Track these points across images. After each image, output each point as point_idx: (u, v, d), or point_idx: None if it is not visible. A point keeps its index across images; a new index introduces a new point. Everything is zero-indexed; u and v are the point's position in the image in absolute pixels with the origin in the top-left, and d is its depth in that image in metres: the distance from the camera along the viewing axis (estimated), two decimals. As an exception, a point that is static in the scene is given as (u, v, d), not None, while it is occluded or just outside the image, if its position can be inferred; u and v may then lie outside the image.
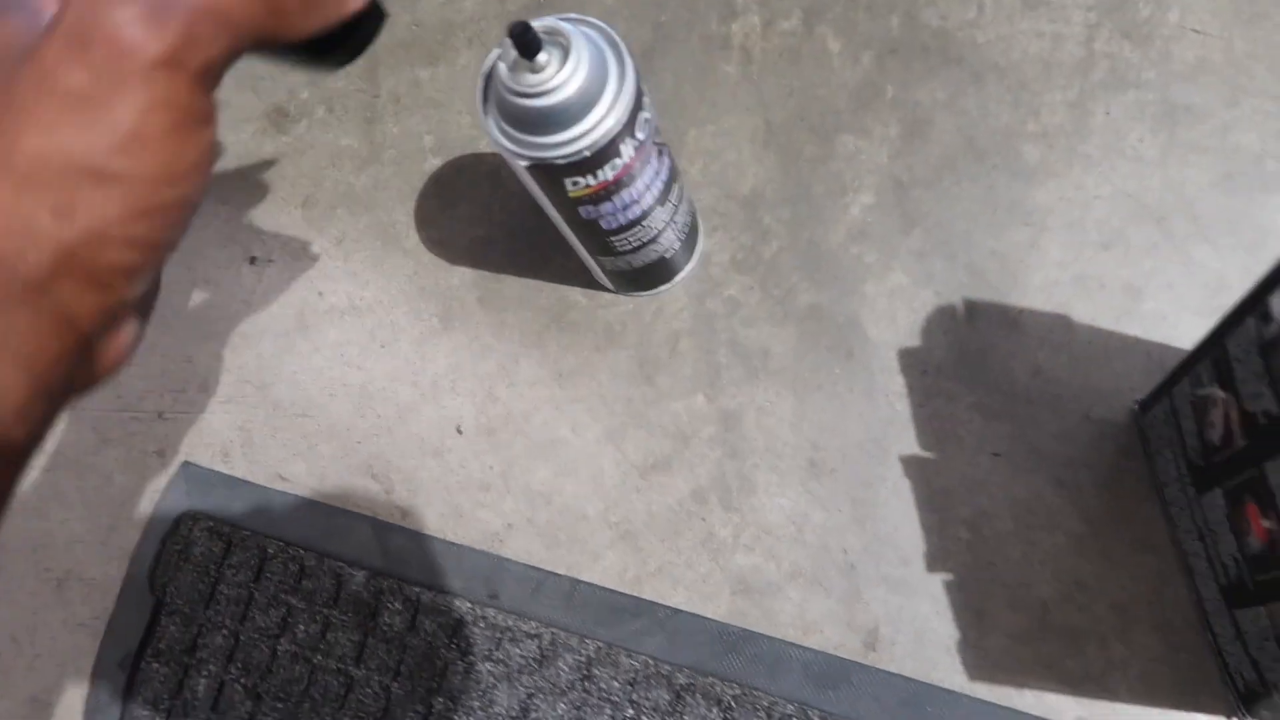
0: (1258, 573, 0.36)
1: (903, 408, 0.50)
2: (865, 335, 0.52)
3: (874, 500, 0.50)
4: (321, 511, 0.56)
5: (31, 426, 0.21)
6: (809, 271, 0.53)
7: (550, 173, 0.41)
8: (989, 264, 0.51)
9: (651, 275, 0.53)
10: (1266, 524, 0.35)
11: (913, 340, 0.51)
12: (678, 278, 0.55)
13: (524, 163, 0.41)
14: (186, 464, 0.58)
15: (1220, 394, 0.38)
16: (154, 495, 0.58)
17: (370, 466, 0.56)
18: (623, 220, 0.46)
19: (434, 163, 0.60)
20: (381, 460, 0.56)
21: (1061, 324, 0.50)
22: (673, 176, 0.47)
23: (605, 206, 0.44)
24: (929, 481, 0.49)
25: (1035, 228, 0.51)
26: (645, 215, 0.46)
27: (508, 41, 0.38)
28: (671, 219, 0.49)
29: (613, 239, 0.47)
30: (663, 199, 0.47)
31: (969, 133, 0.53)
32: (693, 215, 0.52)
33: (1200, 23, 0.52)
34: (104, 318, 0.21)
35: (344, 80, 0.63)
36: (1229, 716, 0.43)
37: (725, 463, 0.52)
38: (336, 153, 0.62)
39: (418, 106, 0.61)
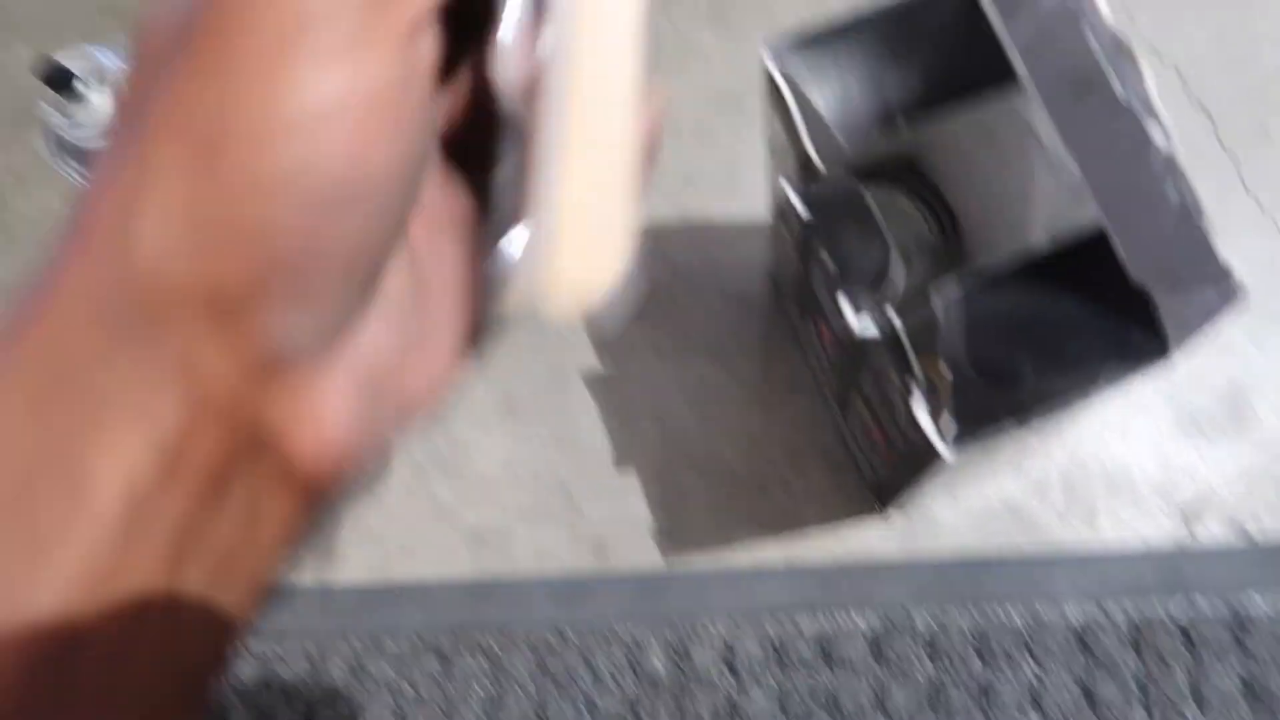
0: (838, 377, 0.42)
1: (574, 333, 0.54)
2: (521, 281, 0.55)
3: (569, 423, 0.53)
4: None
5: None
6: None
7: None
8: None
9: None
10: (826, 332, 0.40)
11: (563, 273, 0.55)
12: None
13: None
14: None
15: (785, 230, 0.44)
16: None
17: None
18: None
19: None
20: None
21: (683, 221, 0.55)
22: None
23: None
24: (611, 392, 0.53)
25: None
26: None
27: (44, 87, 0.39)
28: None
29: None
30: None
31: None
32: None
33: (729, -69, 0.59)
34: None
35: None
36: (875, 515, 0.49)
37: (433, 432, 0.54)
38: (-30, 254, 0.60)
39: (44, 178, 0.60)
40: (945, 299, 0.29)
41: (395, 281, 0.18)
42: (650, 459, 0.52)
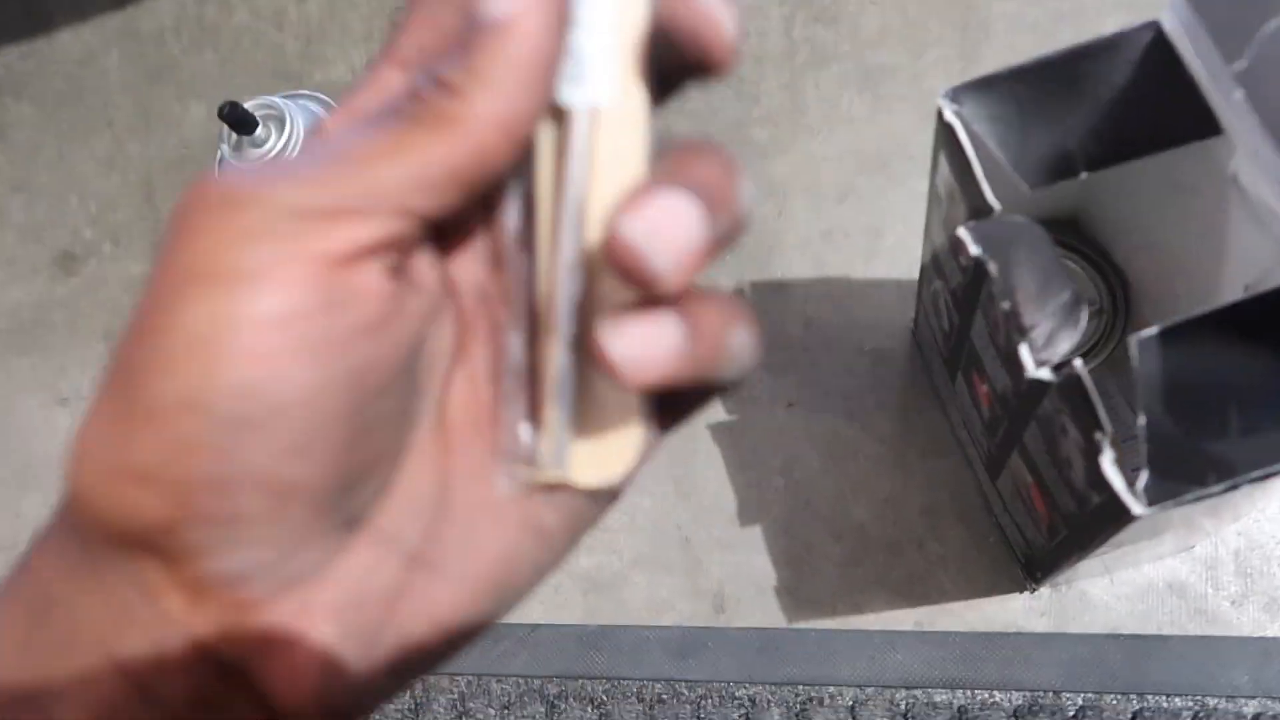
0: (992, 437, 0.40)
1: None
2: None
3: (692, 473, 0.52)
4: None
5: None
6: (591, 283, 0.57)
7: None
8: (746, 239, 0.56)
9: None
10: (985, 388, 0.39)
11: (695, 322, 0.55)
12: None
13: (272, 229, 0.43)
14: (31, 617, 0.57)
15: (940, 284, 0.43)
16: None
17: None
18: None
19: (226, 268, 0.62)
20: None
21: (820, 277, 0.54)
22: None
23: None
24: (737, 443, 0.52)
25: (779, 197, 0.56)
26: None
27: (225, 128, 0.41)
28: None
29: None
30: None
31: (704, 129, 0.58)
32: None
33: (875, -6, 0.59)
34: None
35: (123, 212, 0.65)
36: (1021, 590, 0.47)
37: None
38: (130, 281, 0.63)
39: (201, 220, 0.63)
40: (1142, 339, 0.28)
41: (396, 506, 0.18)
42: (776, 513, 0.51)
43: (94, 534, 0.16)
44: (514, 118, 0.16)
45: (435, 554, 0.18)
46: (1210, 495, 0.28)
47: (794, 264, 0.55)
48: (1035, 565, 0.44)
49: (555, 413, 0.18)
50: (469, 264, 0.19)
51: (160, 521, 0.15)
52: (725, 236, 0.17)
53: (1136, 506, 0.28)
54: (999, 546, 0.48)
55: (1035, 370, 0.30)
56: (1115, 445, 0.29)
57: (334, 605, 0.17)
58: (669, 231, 0.16)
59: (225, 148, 0.42)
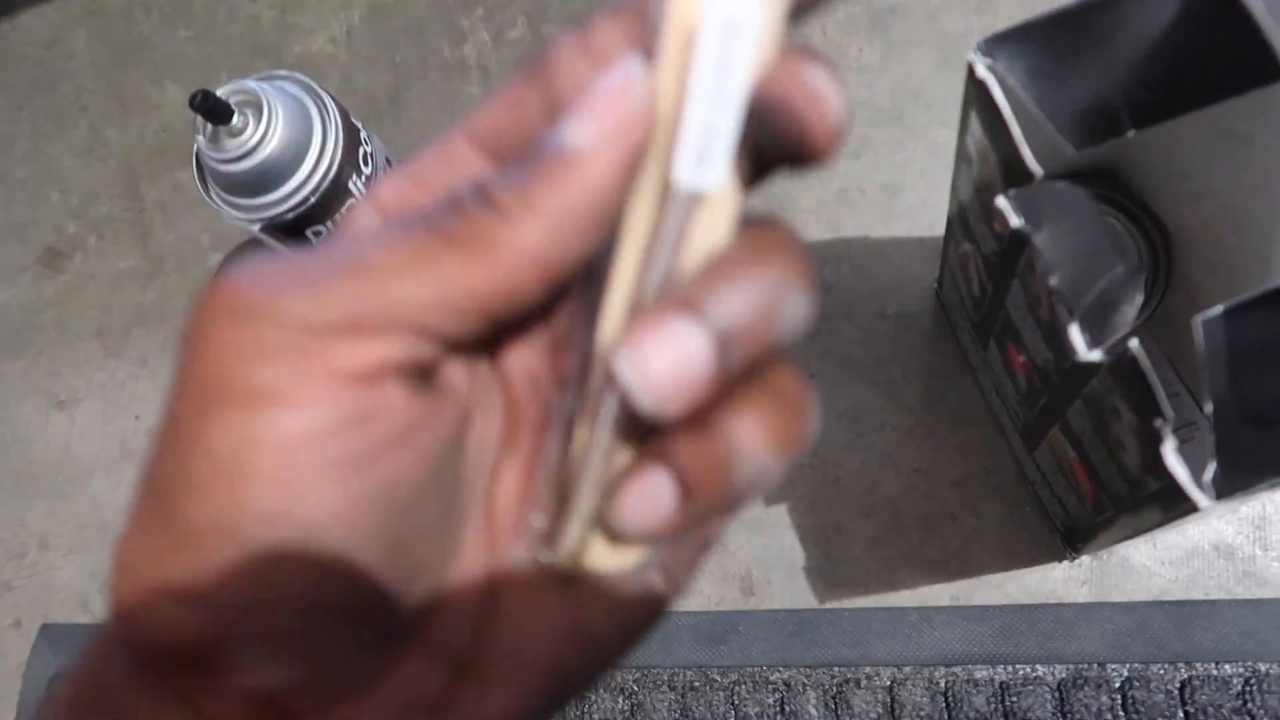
0: (1029, 409, 0.38)
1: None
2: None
3: (714, 453, 0.50)
4: (191, 631, 0.54)
5: None
6: (596, 257, 0.54)
7: (287, 229, 0.41)
8: (757, 201, 0.53)
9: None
10: (1022, 358, 0.36)
11: (708, 292, 0.52)
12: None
13: (256, 225, 0.41)
14: (45, 626, 0.56)
15: (969, 247, 0.40)
16: (21, 669, 0.55)
17: (230, 571, 0.55)
18: (386, 256, 0.46)
19: (215, 258, 0.60)
20: (239, 562, 0.55)
21: (837, 238, 0.52)
22: (426, 202, 0.48)
23: (361, 247, 0.44)
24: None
25: (790, 156, 0.53)
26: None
27: (199, 119, 0.39)
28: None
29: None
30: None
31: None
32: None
33: (883, -70, 0.55)
34: None
35: (108, 204, 0.62)
36: (1060, 559, 0.45)
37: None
38: (118, 276, 0.61)
39: (187, 209, 0.61)
40: (1207, 320, 0.25)
41: (444, 612, 0.17)
42: (802, 491, 0.49)
43: (138, 647, 0.16)
44: (555, 259, 0.15)
45: (484, 661, 0.17)
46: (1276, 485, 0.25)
47: (809, 227, 0.52)
48: (1076, 536, 0.42)
49: (578, 497, 0.17)
50: (523, 350, 0.18)
51: (200, 640, 0.15)
52: (754, 359, 0.16)
53: (1204, 500, 0.25)
54: (1036, 518, 0.46)
55: (1087, 353, 0.27)
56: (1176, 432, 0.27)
57: (385, 711, 0.16)
58: (659, 366, 0.15)
59: (201, 139, 0.39)
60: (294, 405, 0.14)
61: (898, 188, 0.52)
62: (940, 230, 0.50)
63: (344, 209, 0.42)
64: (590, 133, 0.15)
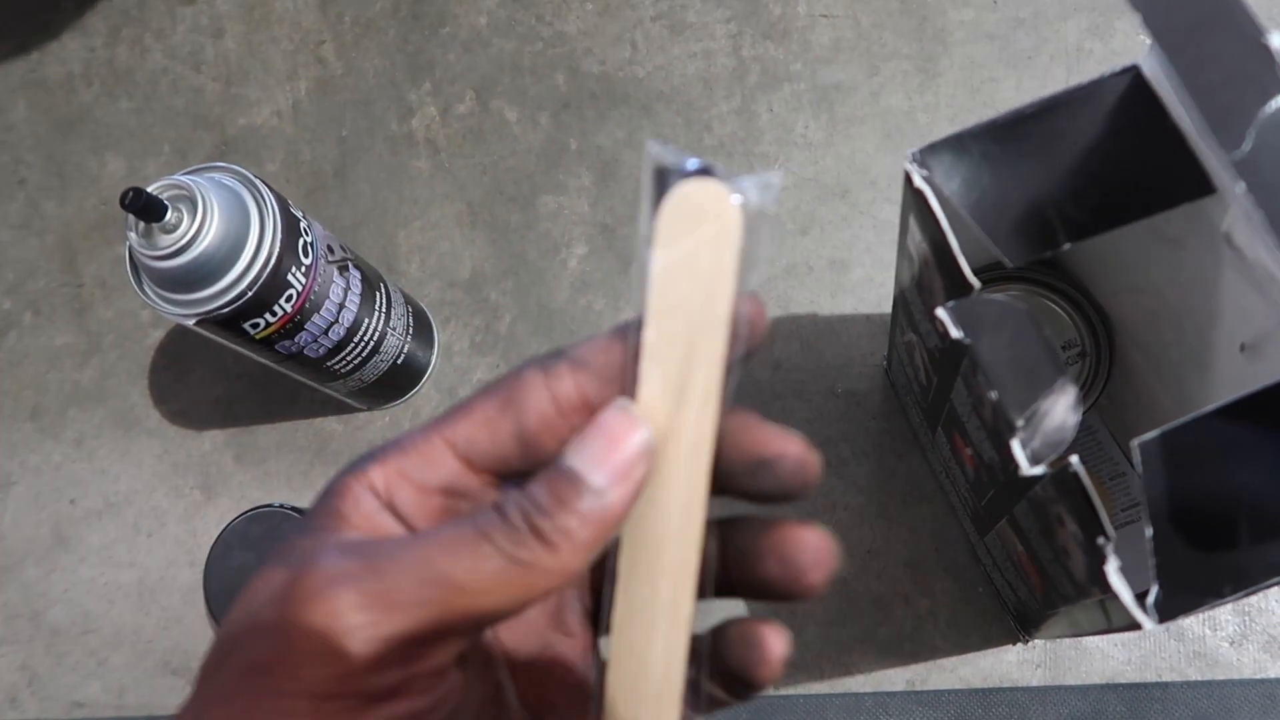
0: (978, 498, 0.38)
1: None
2: (614, 379, 0.52)
3: (666, 534, 0.50)
4: (127, 727, 0.52)
5: None
6: (545, 333, 0.54)
7: (224, 324, 0.40)
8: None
9: (395, 383, 0.52)
10: (969, 450, 0.36)
11: (659, 370, 0.52)
12: (425, 378, 0.54)
13: (191, 320, 0.40)
14: (-28, 725, 0.54)
15: (914, 336, 0.40)
16: (-55, 770, 0.53)
17: (168, 662, 0.53)
18: (329, 344, 0.45)
19: (156, 335, 0.58)
20: (179, 652, 0.53)
21: (785, 315, 0.52)
22: (370, 286, 0.47)
23: (302, 337, 0.43)
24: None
25: (738, 232, 0.53)
26: (354, 332, 0.46)
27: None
28: (386, 326, 0.48)
29: (330, 364, 0.46)
30: (367, 310, 0.47)
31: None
32: (415, 314, 0.52)
33: (826, 7, 0.56)
34: None
35: (44, 279, 0.60)
36: (1014, 642, 0.45)
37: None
38: (54, 354, 0.59)
39: (126, 284, 0.59)
40: (1144, 443, 0.25)
41: None
42: (756, 572, 0.48)
43: None
44: (577, 571, 0.19)
45: None
46: (1225, 603, 0.25)
47: (758, 303, 0.52)
48: (1028, 621, 0.42)
49: (601, 695, 0.20)
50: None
51: None
52: None
53: (1148, 623, 0.25)
54: (988, 598, 0.46)
55: (1030, 469, 0.27)
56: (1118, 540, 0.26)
57: None
58: None
59: (133, 235, 0.38)
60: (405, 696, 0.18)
61: (845, 264, 0.52)
62: (887, 307, 0.50)
63: (282, 300, 0.41)
64: (606, 476, 0.19)
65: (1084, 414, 0.44)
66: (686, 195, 0.19)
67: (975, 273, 0.29)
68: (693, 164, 0.19)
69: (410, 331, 0.51)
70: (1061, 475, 0.27)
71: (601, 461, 0.19)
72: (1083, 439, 0.46)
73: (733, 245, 0.19)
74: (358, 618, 0.17)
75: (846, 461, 0.49)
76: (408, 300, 0.52)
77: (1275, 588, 0.42)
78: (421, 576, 0.18)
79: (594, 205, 0.55)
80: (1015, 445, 0.28)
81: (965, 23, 0.55)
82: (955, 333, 0.29)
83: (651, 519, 0.20)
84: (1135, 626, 0.27)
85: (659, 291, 0.19)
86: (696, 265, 0.19)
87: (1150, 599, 0.25)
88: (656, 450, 0.19)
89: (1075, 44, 0.53)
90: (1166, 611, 0.25)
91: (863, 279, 0.51)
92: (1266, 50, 0.24)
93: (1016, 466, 0.28)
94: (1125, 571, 0.26)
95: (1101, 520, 0.26)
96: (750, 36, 0.56)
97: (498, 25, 0.59)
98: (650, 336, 0.20)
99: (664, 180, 0.20)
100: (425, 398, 0.54)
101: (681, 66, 0.57)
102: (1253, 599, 0.44)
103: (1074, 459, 0.27)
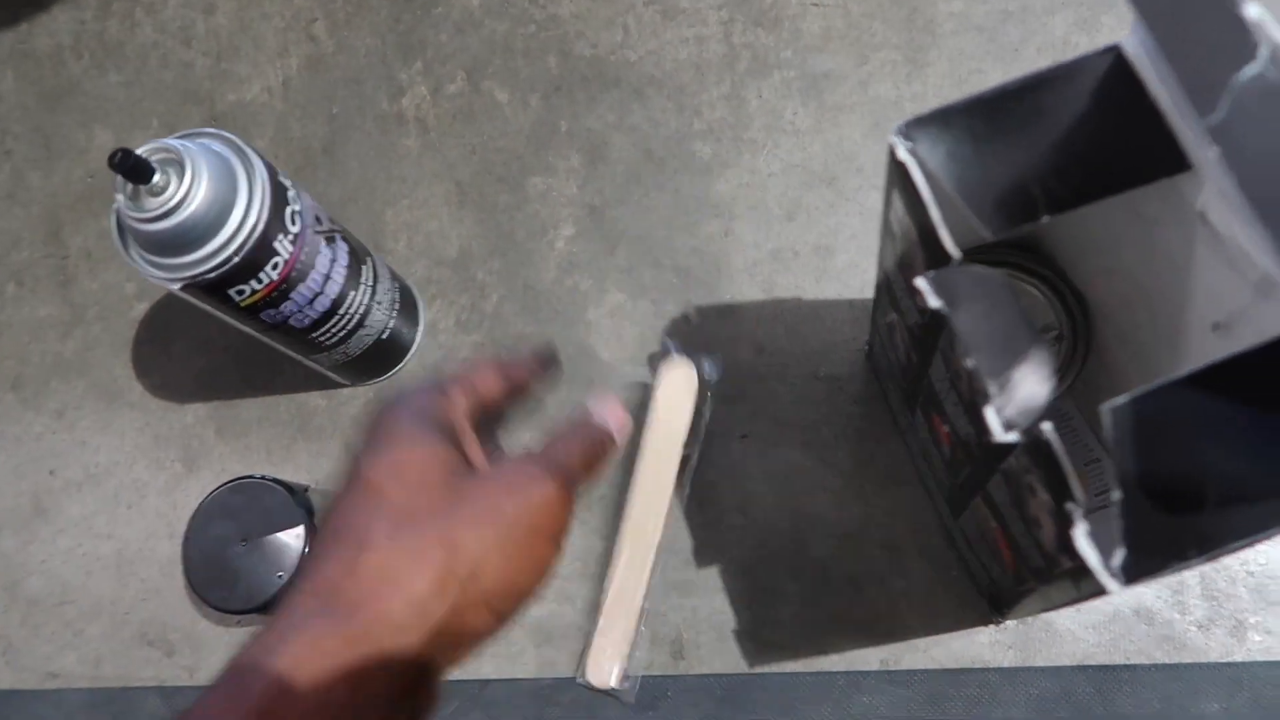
0: (954, 477, 0.38)
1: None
2: (598, 358, 0.53)
3: (646, 513, 0.50)
4: (101, 698, 0.52)
5: None
6: (531, 313, 0.54)
7: (209, 289, 0.41)
8: (692, 261, 0.53)
9: (379, 359, 0.52)
10: (946, 429, 0.37)
11: (642, 350, 0.52)
12: (409, 355, 0.54)
13: (176, 285, 0.40)
14: (-55, 693, 0.53)
15: (895, 316, 0.40)
16: (-84, 738, 0.53)
17: (145, 634, 0.53)
18: (314, 315, 0.45)
19: (140, 308, 0.58)
20: (155, 624, 0.53)
21: (770, 299, 0.52)
22: (357, 259, 0.47)
23: (287, 306, 0.44)
24: (692, 479, 0.50)
25: (724, 217, 0.54)
26: (339, 304, 0.46)
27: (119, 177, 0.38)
28: (372, 300, 0.48)
29: (314, 335, 0.47)
30: (353, 283, 0.47)
31: (644, 145, 0.56)
32: (401, 291, 0.52)
33: (817, -3, 0.57)
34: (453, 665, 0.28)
35: (28, 250, 0.60)
36: (986, 623, 0.45)
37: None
38: (36, 325, 0.59)
39: (111, 257, 0.59)
40: (1115, 408, 0.26)
41: None
42: (734, 553, 0.49)
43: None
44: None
45: None
46: (1185, 568, 0.26)
47: (743, 287, 0.52)
48: (1000, 601, 0.42)
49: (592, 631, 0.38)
50: None
51: (380, 695, 0.25)
52: None
53: (1113, 585, 0.26)
54: (962, 580, 0.46)
55: (1002, 435, 0.28)
56: (1088, 509, 0.27)
57: None
58: None
59: (121, 198, 0.38)
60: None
61: (830, 249, 0.52)
62: (870, 293, 0.51)
63: (269, 267, 0.41)
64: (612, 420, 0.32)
65: (1059, 399, 0.44)
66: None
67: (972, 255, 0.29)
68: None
69: (396, 307, 0.51)
70: (1034, 442, 0.28)
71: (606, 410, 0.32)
72: (1058, 426, 0.46)
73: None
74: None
75: (828, 444, 0.49)
76: (394, 276, 0.52)
77: (1237, 558, 0.42)
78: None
79: (582, 187, 0.56)
80: (989, 411, 0.28)
81: (954, 14, 0.55)
82: (934, 302, 0.29)
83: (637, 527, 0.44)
84: (1102, 592, 0.27)
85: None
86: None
87: (1116, 561, 0.26)
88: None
89: (1062, 37, 0.54)
90: (1133, 573, 0.26)
91: (847, 264, 0.52)
92: (1241, 20, 0.24)
93: (990, 434, 0.29)
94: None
95: (1070, 484, 0.26)
96: (741, 23, 0.57)
97: (490, 7, 0.60)
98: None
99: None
100: (409, 374, 0.54)
101: (673, 51, 0.57)
102: (1220, 584, 0.45)
103: (1046, 425, 0.27)
